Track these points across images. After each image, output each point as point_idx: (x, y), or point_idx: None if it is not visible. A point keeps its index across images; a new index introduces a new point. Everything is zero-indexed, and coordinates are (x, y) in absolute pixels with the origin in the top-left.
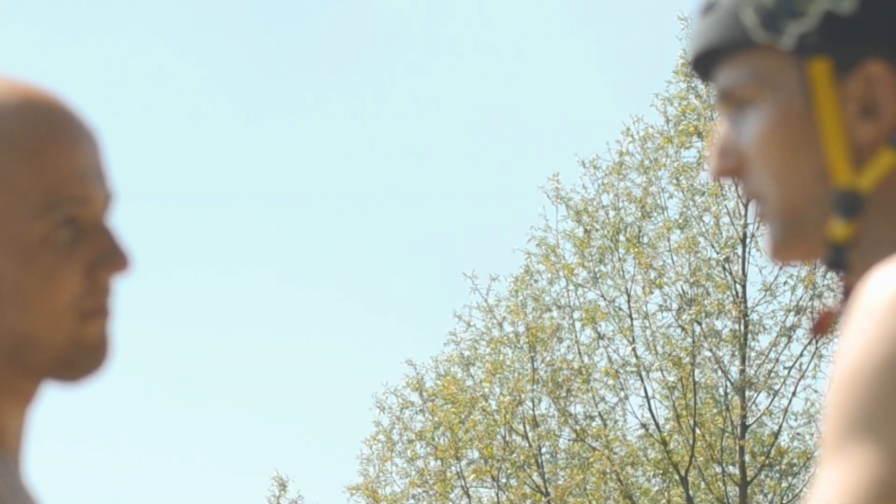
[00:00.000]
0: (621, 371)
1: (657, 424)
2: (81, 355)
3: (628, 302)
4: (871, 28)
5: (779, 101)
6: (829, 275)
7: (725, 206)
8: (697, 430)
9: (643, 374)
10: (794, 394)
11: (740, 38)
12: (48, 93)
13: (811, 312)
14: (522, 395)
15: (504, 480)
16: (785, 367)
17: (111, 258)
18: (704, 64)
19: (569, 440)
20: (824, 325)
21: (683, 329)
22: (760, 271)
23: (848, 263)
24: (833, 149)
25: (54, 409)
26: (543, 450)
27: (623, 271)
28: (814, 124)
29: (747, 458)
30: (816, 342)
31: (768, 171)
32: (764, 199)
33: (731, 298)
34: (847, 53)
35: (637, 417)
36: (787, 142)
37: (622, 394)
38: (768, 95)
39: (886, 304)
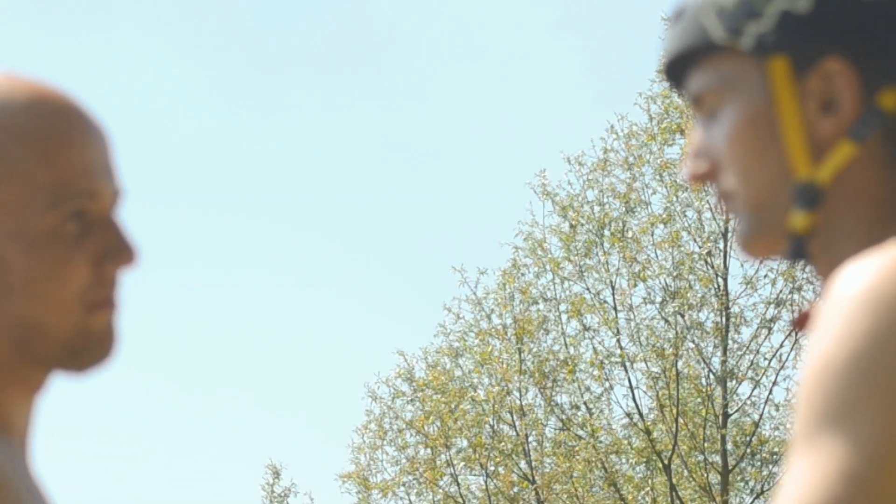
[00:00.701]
0: (606, 362)
1: (641, 414)
2: (88, 345)
3: (613, 295)
4: (828, 26)
5: (743, 102)
6: (808, 268)
7: (708, 201)
8: (680, 420)
9: (627, 364)
10: (774, 384)
11: (705, 42)
12: (59, 90)
13: (794, 308)
14: (510, 386)
15: (492, 468)
16: (765, 359)
17: (118, 252)
18: (677, 72)
19: (555, 429)
20: (805, 322)
21: (667, 321)
22: (742, 265)
23: (808, 253)
24: (792, 143)
25: (53, 401)
26: (530, 438)
27: (608, 265)
28: (776, 122)
29: (729, 446)
30: (796, 334)
31: (736, 169)
32: (734, 196)
33: (713, 291)
34: (805, 51)
35: (621, 407)
36: (753, 140)
37: (607, 384)
38: (734, 97)
39: (855, 300)
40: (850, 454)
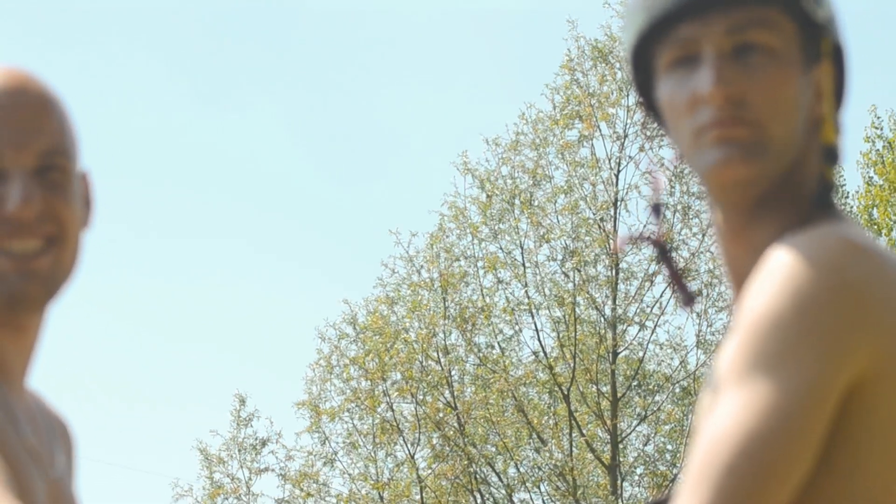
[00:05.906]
0: (516, 309)
1: (545, 352)
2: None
3: (522, 253)
4: (833, 31)
5: (789, 62)
6: (683, 231)
7: (601, 176)
8: (578, 357)
9: (534, 311)
10: (656, 327)
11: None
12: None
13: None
14: (436, 329)
15: (421, 397)
16: (649, 306)
17: (8, 204)
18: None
19: (474, 365)
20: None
21: (566, 275)
22: (629, 229)
23: (829, 200)
24: (828, 113)
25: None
26: (453, 373)
27: (518, 229)
28: (807, 92)
29: (619, 379)
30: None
31: (780, 110)
32: (761, 126)
33: (605, 251)
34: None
35: (529, 347)
36: (796, 97)
37: (517, 328)
38: (779, 53)
39: (788, 266)
40: (778, 394)
